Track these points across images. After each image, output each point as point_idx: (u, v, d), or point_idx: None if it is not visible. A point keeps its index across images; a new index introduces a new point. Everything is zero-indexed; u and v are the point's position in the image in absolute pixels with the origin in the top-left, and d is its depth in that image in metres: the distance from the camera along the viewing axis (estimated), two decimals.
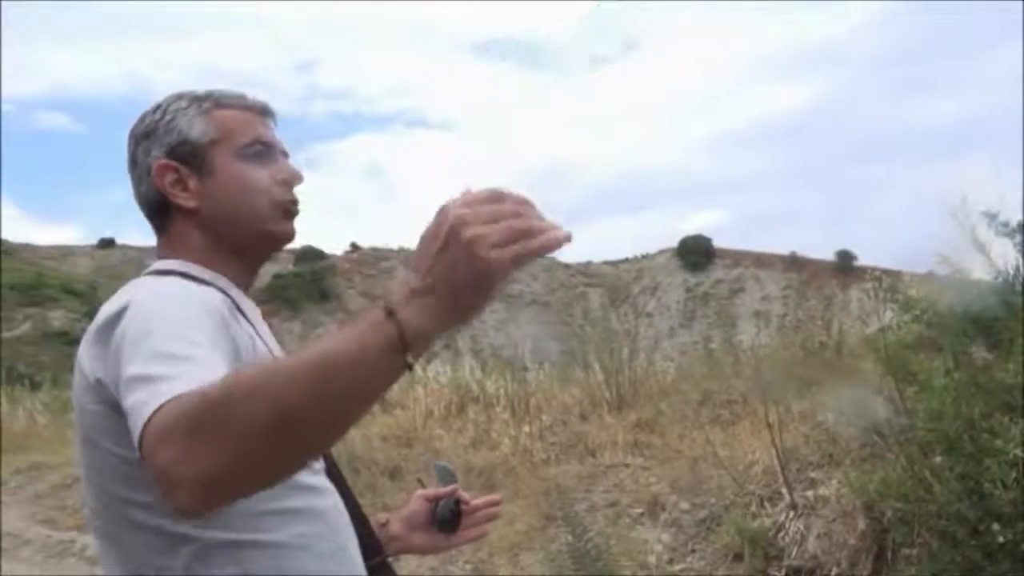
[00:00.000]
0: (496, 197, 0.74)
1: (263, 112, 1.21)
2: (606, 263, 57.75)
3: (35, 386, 13.06)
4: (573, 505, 4.36)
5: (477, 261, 0.71)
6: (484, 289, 0.73)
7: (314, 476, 1.10)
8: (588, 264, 56.77)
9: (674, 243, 55.14)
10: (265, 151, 1.18)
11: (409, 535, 1.35)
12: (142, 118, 1.19)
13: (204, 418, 0.75)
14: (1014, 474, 2.82)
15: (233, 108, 1.18)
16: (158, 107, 1.19)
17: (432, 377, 7.79)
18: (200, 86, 1.22)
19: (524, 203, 0.75)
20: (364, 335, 0.74)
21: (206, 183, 1.15)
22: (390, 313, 0.73)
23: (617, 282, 53.73)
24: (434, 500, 1.37)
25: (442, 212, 0.74)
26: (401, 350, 0.73)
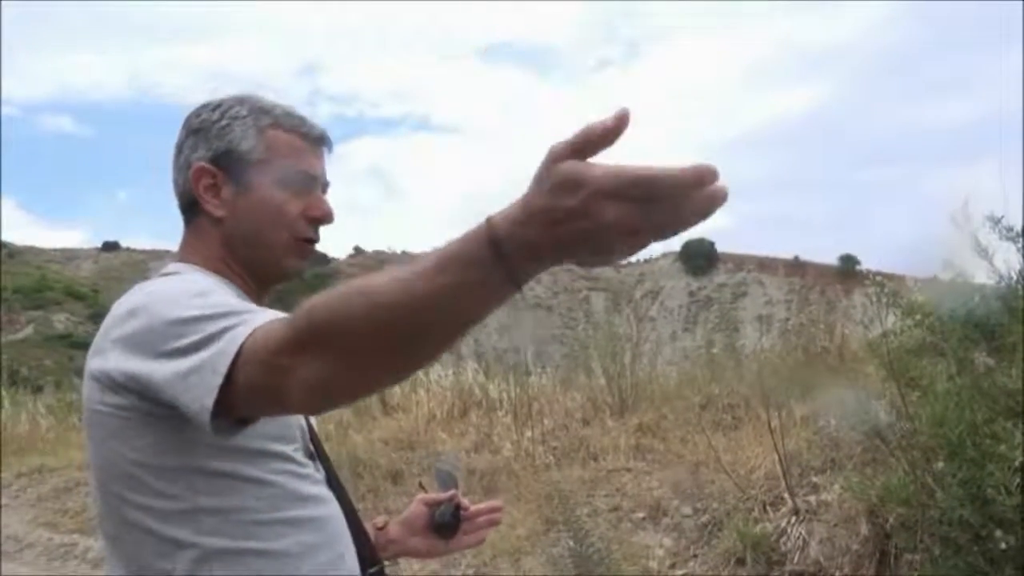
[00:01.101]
0: (649, 180, 0.65)
1: (318, 141, 1.20)
2: (609, 267, 57.75)
3: (37, 389, 13.09)
4: (575, 509, 4.35)
5: (611, 243, 0.67)
6: (597, 260, 0.69)
7: (315, 486, 1.11)
8: (590, 268, 56.75)
9: (677, 247, 55.08)
10: (306, 184, 1.17)
11: (407, 538, 1.36)
12: (199, 111, 1.18)
13: (305, 331, 0.78)
14: (1017, 480, 2.81)
15: (290, 132, 1.17)
16: (219, 105, 1.17)
17: (434, 381, 7.79)
18: (257, 92, 1.19)
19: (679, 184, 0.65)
20: (464, 246, 0.70)
21: (238, 197, 1.14)
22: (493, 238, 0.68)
23: (620, 286, 53.71)
24: (434, 505, 1.38)
25: (579, 173, 0.65)
26: (499, 260, 0.68)
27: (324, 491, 1.13)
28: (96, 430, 1.03)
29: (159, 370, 0.92)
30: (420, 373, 8.29)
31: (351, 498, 1.21)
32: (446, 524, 1.35)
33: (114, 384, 0.99)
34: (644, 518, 4.56)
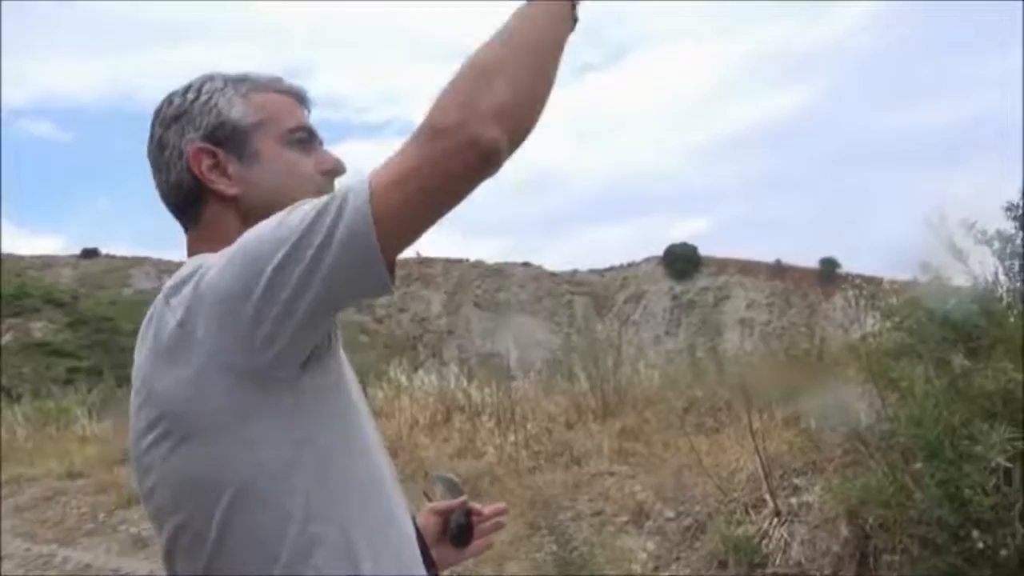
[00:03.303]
0: None
1: (300, 98, 1.13)
2: (592, 271, 57.86)
3: (16, 398, 12.92)
4: (558, 514, 4.37)
5: None
6: None
7: (391, 474, 1.06)
8: (574, 272, 56.84)
9: (660, 251, 55.33)
10: (308, 138, 1.10)
11: None
12: (169, 100, 1.09)
13: (480, 68, 0.90)
14: (994, 480, 2.85)
15: (272, 91, 1.10)
16: (188, 88, 1.09)
17: (417, 386, 7.78)
18: (214, 70, 1.11)
19: None
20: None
21: (249, 169, 1.06)
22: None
23: (603, 290, 53.86)
24: (444, 513, 1.32)
25: None
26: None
27: (395, 476, 1.08)
28: (194, 428, 0.93)
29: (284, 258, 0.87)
30: (403, 379, 8.27)
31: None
32: (461, 532, 1.30)
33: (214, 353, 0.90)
34: (627, 522, 4.57)
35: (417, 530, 1.11)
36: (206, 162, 1.05)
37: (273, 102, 1.09)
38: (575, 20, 0.97)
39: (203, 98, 1.07)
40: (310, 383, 0.94)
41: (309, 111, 1.14)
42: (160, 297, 0.98)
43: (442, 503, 1.33)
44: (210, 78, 1.10)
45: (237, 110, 1.07)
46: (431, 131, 0.86)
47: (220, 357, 0.90)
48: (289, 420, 0.93)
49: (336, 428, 0.97)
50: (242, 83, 1.09)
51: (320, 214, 0.87)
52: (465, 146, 0.85)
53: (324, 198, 0.89)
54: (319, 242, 0.86)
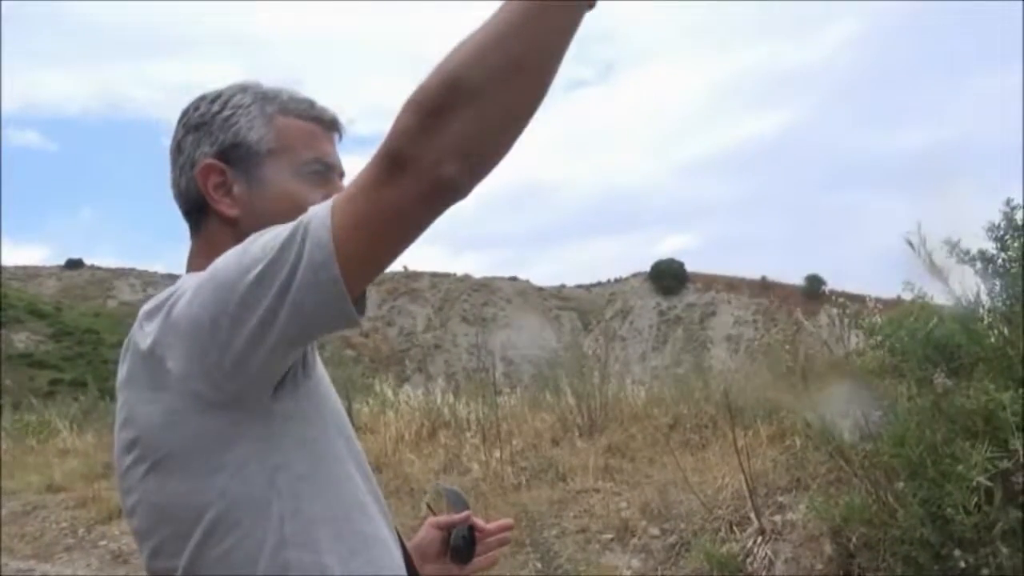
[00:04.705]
0: None
1: (331, 126, 1.10)
2: (579, 287, 57.99)
3: None
4: (543, 531, 4.35)
5: None
6: None
7: (373, 489, 1.06)
8: (561, 288, 56.95)
9: (647, 267, 55.57)
10: (324, 172, 1.07)
11: (421, 566, 1.23)
12: (196, 105, 1.08)
13: (439, 91, 0.80)
14: (975, 500, 2.86)
15: (300, 117, 1.08)
16: (218, 96, 1.07)
17: (403, 401, 7.75)
18: (264, 80, 1.10)
19: None
20: None
21: (253, 193, 1.04)
22: None
23: (590, 306, 53.95)
24: (446, 528, 1.28)
25: None
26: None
27: (380, 495, 1.07)
28: (175, 449, 0.94)
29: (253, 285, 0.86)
30: (389, 394, 8.25)
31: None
32: (463, 547, 1.26)
33: (182, 377, 0.90)
34: (612, 539, 4.56)
35: (406, 551, 1.10)
36: (213, 179, 1.05)
37: (295, 129, 1.07)
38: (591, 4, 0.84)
39: (226, 112, 1.06)
40: (282, 409, 0.94)
41: (341, 136, 1.13)
42: (138, 319, 0.98)
43: (444, 518, 1.30)
44: (242, 89, 1.08)
45: (256, 132, 1.05)
46: (391, 160, 0.82)
47: (189, 385, 0.90)
48: (262, 446, 0.93)
49: (312, 453, 0.97)
50: (272, 102, 1.07)
51: (283, 247, 0.86)
52: (424, 183, 0.81)
53: (288, 227, 0.88)
54: (284, 275, 0.85)
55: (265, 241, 0.88)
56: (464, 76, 0.79)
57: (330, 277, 0.84)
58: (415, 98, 0.81)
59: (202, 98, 1.08)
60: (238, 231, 1.02)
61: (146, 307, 0.98)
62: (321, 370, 1.04)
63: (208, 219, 1.06)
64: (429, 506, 1.40)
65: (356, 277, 0.85)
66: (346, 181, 1.08)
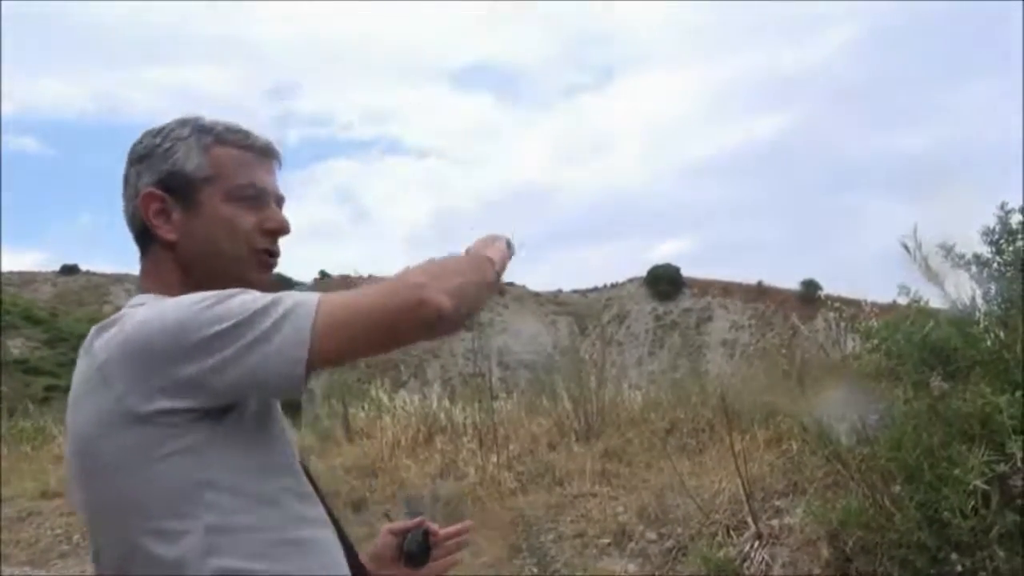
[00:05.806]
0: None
1: (265, 153, 1.19)
2: (575, 291, 57.98)
3: None
4: (540, 535, 4.34)
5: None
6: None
7: (314, 508, 1.09)
8: (558, 292, 56.95)
9: (643, 272, 55.56)
10: (257, 196, 1.16)
11: (377, 571, 1.30)
12: (142, 138, 1.17)
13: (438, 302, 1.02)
14: (972, 503, 2.86)
15: (234, 147, 1.16)
16: (160, 131, 1.16)
17: (400, 407, 7.73)
18: (199, 112, 1.19)
19: None
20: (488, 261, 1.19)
21: (189, 218, 1.13)
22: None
23: (587, 311, 53.90)
24: (401, 533, 1.33)
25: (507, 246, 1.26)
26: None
27: (323, 513, 1.11)
28: (112, 462, 1.00)
29: (220, 361, 0.96)
30: (385, 399, 8.23)
31: (341, 524, 1.18)
32: (416, 552, 1.30)
33: (123, 405, 0.97)
34: (609, 543, 4.55)
35: (355, 557, 1.18)
36: (154, 206, 1.13)
37: (229, 157, 1.15)
38: (512, 252, 1.26)
39: (166, 144, 1.15)
40: (221, 427, 1.00)
41: (280, 164, 1.22)
42: (91, 332, 1.05)
43: (399, 524, 1.35)
44: (183, 123, 1.17)
45: (192, 162, 1.14)
46: (395, 283, 1.02)
47: (126, 402, 0.97)
48: (192, 461, 0.98)
49: (246, 469, 1.02)
50: (208, 133, 1.16)
51: (260, 313, 0.97)
52: (420, 303, 0.99)
53: (269, 298, 0.99)
54: (250, 339, 0.96)
55: (243, 302, 0.98)
56: (453, 264, 1.13)
57: (297, 357, 0.96)
58: (424, 264, 1.09)
59: (147, 132, 1.18)
60: (178, 254, 1.13)
61: (103, 321, 1.06)
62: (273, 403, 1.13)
63: (153, 244, 1.15)
64: (387, 514, 1.43)
65: (319, 363, 0.98)
66: (287, 212, 1.20)
